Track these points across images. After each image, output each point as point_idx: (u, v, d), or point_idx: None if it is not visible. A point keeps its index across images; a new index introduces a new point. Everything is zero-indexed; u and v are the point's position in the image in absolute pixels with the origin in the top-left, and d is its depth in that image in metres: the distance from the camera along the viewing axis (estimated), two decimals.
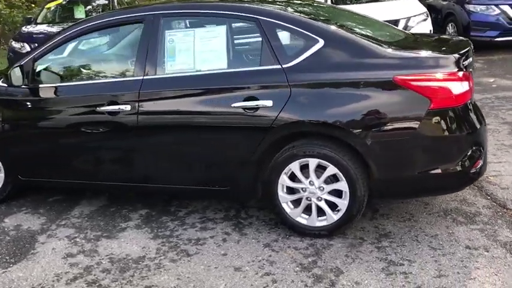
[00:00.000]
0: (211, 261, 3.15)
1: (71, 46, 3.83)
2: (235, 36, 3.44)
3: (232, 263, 3.11)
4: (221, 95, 3.31)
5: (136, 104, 3.43)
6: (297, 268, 3.02)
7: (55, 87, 3.75)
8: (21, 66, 3.67)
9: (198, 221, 3.69)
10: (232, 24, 3.41)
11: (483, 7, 9.48)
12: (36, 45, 4.15)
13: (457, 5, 9.98)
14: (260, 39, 3.26)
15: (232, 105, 3.22)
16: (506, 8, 9.27)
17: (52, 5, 10.12)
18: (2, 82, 3.87)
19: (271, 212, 3.53)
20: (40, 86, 3.75)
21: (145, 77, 3.44)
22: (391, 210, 3.66)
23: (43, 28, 9.33)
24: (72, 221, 3.80)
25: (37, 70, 3.77)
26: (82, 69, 3.82)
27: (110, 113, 3.49)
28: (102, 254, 3.31)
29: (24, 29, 9.28)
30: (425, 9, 9.10)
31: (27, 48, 8.58)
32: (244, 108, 3.20)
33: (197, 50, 3.39)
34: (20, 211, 4.04)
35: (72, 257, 3.29)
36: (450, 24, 10.20)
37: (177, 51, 3.43)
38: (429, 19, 8.93)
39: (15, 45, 8.78)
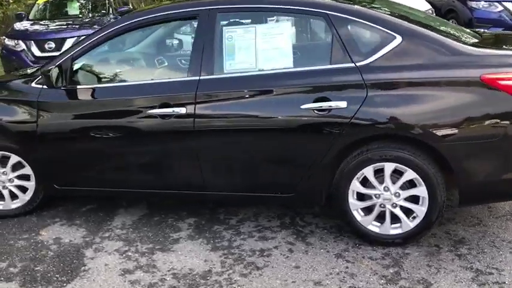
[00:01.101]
0: (286, 275, 2.93)
1: (113, 44, 3.53)
2: (301, 33, 3.22)
3: (309, 277, 2.90)
4: (288, 95, 3.09)
5: (193, 107, 3.18)
6: (382, 280, 2.83)
7: (96, 88, 3.47)
8: (59, 66, 3.37)
9: (254, 229, 3.47)
10: (299, 20, 3.19)
11: (486, 4, 9.46)
12: (74, 43, 3.80)
13: (458, 1, 9.96)
14: (330, 35, 3.05)
15: (302, 106, 3.01)
16: (509, 5, 9.27)
17: (43, 0, 9.68)
18: (37, 83, 3.55)
19: (330, 219, 3.37)
20: (79, 87, 3.45)
21: (201, 77, 3.19)
22: (455, 214, 3.50)
23: (38, 24, 8.90)
24: (116, 233, 3.52)
25: (76, 70, 3.47)
26: (127, 69, 3.54)
27: (162, 116, 3.23)
28: (163, 269, 3.05)
29: (17, 25, 8.83)
30: (430, 6, 9.05)
31: (22, 45, 8.17)
32: (315, 109, 2.99)
33: (259, 47, 3.16)
34: (55, 222, 3.74)
35: (130, 274, 3.02)
36: (451, 21, 10.16)
37: (236, 49, 3.19)
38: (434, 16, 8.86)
39: (9, 42, 8.33)
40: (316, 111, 2.99)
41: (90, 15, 9.47)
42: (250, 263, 3.07)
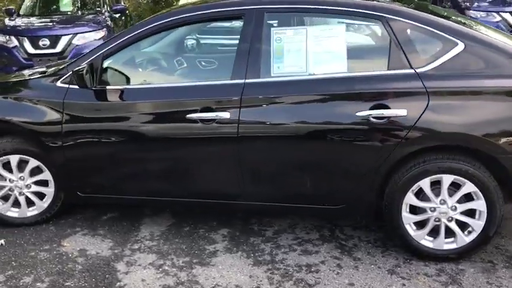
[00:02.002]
0: None
1: (149, 42, 3.31)
2: (356, 36, 3.05)
3: None
4: (342, 102, 2.92)
5: (237, 111, 2.99)
6: None
7: (129, 89, 3.23)
8: (90, 65, 3.12)
9: (294, 242, 3.28)
10: (353, 23, 3.02)
11: (483, 14, 9.52)
12: (104, 40, 3.54)
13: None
14: (387, 40, 2.89)
15: (357, 114, 2.84)
16: (506, 15, 9.35)
17: None
18: (63, 82, 3.29)
19: (371, 231, 3.25)
20: (110, 87, 3.21)
21: (247, 81, 3.00)
22: (501, 227, 3.38)
23: (30, 20, 8.54)
24: (146, 244, 3.29)
25: (106, 70, 3.23)
26: (163, 70, 3.31)
27: (203, 120, 3.02)
28: (207, 286, 2.84)
29: (9, 21, 8.44)
30: None
31: (14, 41, 7.80)
32: (372, 117, 2.82)
33: (310, 50, 2.98)
34: (75, 232, 3.48)
35: None
36: None
37: (285, 51, 3.00)
38: None
39: (0, 38, 7.94)
40: (373, 119, 2.83)
41: (84, 12, 9.13)
42: (300, 279, 2.88)
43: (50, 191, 3.50)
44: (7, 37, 7.88)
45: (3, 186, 3.47)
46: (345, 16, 2.99)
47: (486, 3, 9.87)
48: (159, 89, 3.19)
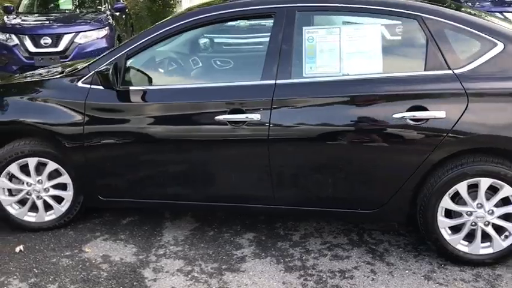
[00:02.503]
0: None
1: (175, 42, 3.20)
2: (391, 36, 2.97)
3: None
4: (377, 103, 2.85)
5: (268, 113, 2.90)
6: None
7: (154, 90, 3.14)
8: (115, 65, 3.01)
9: (323, 247, 3.20)
10: (388, 22, 2.94)
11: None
12: (128, 39, 3.42)
13: None
14: (424, 40, 2.82)
15: (394, 115, 2.77)
16: (509, 15, 9.32)
17: None
18: (84, 82, 3.18)
19: (400, 235, 3.22)
20: (134, 88, 3.10)
21: (278, 81, 2.91)
22: None
23: (30, 18, 8.38)
24: (171, 250, 3.19)
25: (130, 70, 3.12)
26: (189, 70, 3.21)
27: (233, 122, 2.93)
28: None
29: (8, 19, 8.26)
30: None
31: (15, 40, 7.63)
32: (410, 119, 2.75)
33: (344, 50, 2.89)
34: (96, 237, 3.37)
35: None
36: None
37: (318, 51, 2.91)
38: None
39: (0, 36, 7.77)
40: (410, 121, 2.75)
41: (84, 10, 8.98)
42: (335, 286, 2.80)
43: (68, 194, 3.39)
44: (7, 35, 7.73)
45: (21, 190, 3.35)
46: (380, 15, 2.90)
47: (488, 3, 9.85)
48: (186, 90, 3.09)
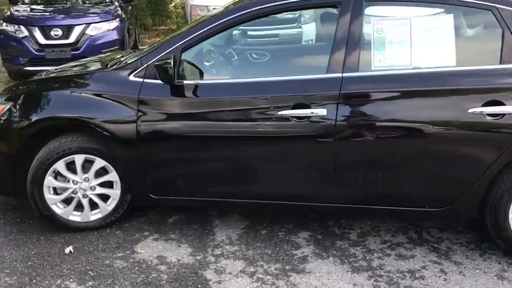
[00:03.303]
0: None
1: (232, 33, 3.07)
2: (464, 28, 2.87)
3: None
4: (452, 98, 2.75)
5: (335, 108, 2.79)
6: None
7: (212, 84, 3.01)
8: (174, 57, 2.86)
9: (384, 246, 3.11)
10: (461, 13, 2.83)
11: None
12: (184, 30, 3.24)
13: None
14: (499, 32, 2.72)
15: (469, 110, 2.67)
16: None
17: None
18: (136, 76, 3.04)
19: (459, 233, 3.18)
20: (189, 82, 2.96)
21: (345, 74, 2.80)
22: None
23: (38, 9, 8.12)
24: (228, 249, 3.07)
25: (185, 63, 2.97)
26: (248, 63, 3.08)
27: (298, 117, 2.82)
28: None
29: (15, 10, 8.00)
30: None
31: (24, 31, 7.38)
32: (486, 114, 2.65)
33: (415, 42, 2.78)
34: (145, 237, 3.24)
35: None
36: None
37: (387, 43, 2.80)
38: None
39: (7, 27, 7.49)
40: (487, 116, 2.66)
41: (92, 1, 8.74)
42: (407, 287, 2.71)
43: (115, 192, 3.24)
44: (16, 27, 7.47)
45: (67, 189, 3.20)
46: (453, 6, 2.80)
47: None
48: (246, 84, 2.96)
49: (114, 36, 7.64)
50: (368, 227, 3.33)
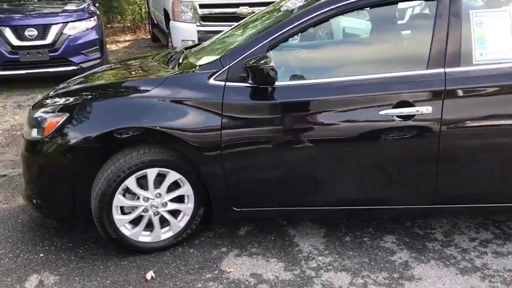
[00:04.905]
0: None
1: (321, 29, 2.86)
2: None
3: None
4: None
5: (440, 105, 2.66)
6: None
7: (305, 85, 2.78)
8: (258, 59, 2.62)
9: (475, 244, 3.03)
10: None
11: None
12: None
13: None
14: None
15: None
16: None
17: None
18: (216, 79, 2.76)
19: None
20: (280, 84, 2.72)
21: (447, 70, 2.68)
22: None
23: (11, 7, 7.50)
24: (323, 261, 2.87)
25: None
26: (341, 60, 2.87)
27: (401, 116, 2.67)
28: None
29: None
30: None
31: None
32: None
33: None
34: (224, 253, 2.97)
35: None
36: None
37: (488, 36, 2.71)
38: None
39: None
40: None
41: None
42: None
43: (188, 207, 2.96)
44: None
45: (137, 207, 2.87)
46: None
47: None
48: (341, 84, 2.76)
49: (94, 35, 7.18)
50: (447, 225, 3.25)
